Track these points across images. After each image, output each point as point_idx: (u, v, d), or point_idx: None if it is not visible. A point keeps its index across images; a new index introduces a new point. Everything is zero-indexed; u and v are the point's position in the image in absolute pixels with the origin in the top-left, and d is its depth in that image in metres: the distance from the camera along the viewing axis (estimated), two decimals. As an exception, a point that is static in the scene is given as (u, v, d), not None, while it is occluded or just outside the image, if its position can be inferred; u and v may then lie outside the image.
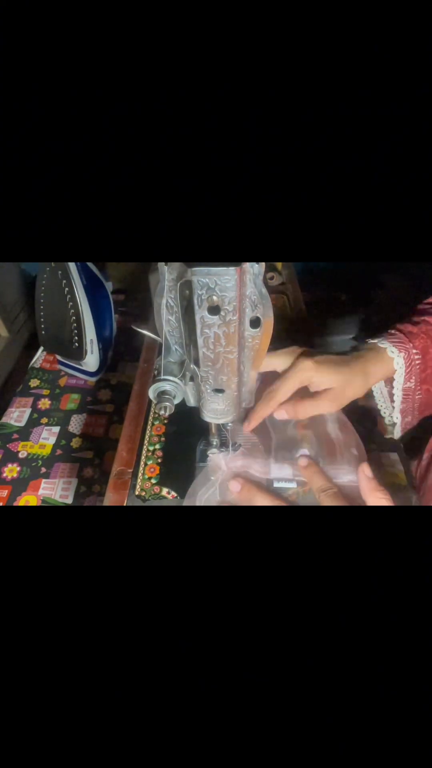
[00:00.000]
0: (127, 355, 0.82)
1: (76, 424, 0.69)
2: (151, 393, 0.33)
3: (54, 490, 0.61)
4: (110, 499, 0.40)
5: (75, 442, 0.66)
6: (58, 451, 0.65)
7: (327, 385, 0.39)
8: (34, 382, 0.76)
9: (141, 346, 0.59)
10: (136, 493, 0.40)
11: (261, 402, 0.40)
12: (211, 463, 0.40)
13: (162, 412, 0.32)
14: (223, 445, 0.41)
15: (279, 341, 0.51)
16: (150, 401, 0.47)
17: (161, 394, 0.32)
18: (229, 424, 0.39)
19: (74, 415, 0.70)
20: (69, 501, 0.60)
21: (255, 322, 0.31)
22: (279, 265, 0.57)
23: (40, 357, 0.81)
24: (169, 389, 0.32)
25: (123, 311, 0.90)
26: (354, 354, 0.43)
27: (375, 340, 0.44)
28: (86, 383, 0.75)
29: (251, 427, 0.41)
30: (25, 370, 0.80)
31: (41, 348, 0.82)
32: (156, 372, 0.33)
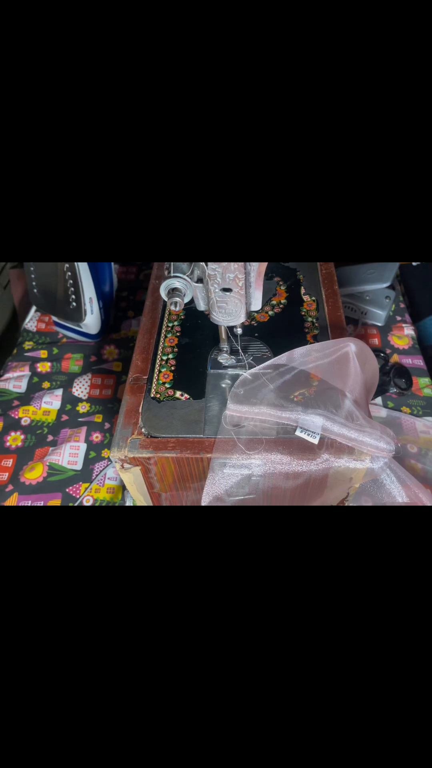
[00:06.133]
0: (131, 310, 0.80)
1: (80, 387, 0.70)
2: (162, 290, 0.36)
3: (61, 456, 0.63)
4: (128, 401, 0.44)
5: (81, 407, 0.68)
6: (64, 417, 0.67)
7: None
8: (28, 345, 0.76)
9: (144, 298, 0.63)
10: (152, 395, 0.44)
11: None
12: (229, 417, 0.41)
13: (173, 308, 0.36)
14: (234, 352, 0.45)
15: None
16: (162, 317, 0.52)
17: (172, 291, 0.36)
18: (238, 329, 0.43)
19: (78, 377, 0.71)
20: (78, 467, 0.62)
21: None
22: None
23: (33, 318, 0.80)
24: (179, 286, 0.36)
25: (123, 261, 0.88)
26: None
27: None
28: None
29: None
30: (16, 332, 0.78)
31: (33, 308, 0.81)
32: (167, 271, 0.37)
